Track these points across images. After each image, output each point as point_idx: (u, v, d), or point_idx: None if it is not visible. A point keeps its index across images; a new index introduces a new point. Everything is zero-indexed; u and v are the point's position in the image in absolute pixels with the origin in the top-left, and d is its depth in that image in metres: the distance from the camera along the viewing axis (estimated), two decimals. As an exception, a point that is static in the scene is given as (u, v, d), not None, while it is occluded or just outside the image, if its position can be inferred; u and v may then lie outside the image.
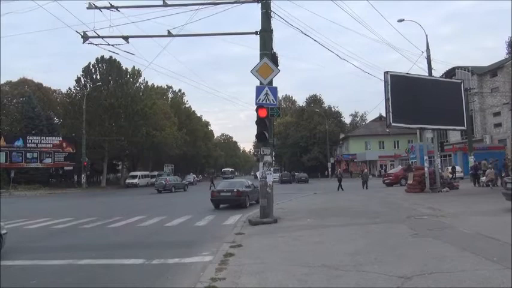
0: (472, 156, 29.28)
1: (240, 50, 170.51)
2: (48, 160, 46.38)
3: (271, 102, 11.68)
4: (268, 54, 12.01)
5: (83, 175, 46.32)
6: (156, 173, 56.46)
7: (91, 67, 52.82)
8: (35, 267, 7.45)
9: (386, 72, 20.02)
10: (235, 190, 17.95)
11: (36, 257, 8.25)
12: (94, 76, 52.81)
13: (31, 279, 6.55)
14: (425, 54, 25.77)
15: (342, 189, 27.68)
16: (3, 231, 8.65)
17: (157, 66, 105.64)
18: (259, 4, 12.39)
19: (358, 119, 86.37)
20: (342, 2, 26.46)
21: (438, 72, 37.12)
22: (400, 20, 26.87)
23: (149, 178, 54.10)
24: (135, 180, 51.32)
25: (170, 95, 79.27)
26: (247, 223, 11.73)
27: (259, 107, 11.55)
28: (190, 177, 55.98)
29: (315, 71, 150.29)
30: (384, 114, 35.26)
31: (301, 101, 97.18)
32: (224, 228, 11.54)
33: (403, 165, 42.73)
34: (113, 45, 13.77)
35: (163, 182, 37.48)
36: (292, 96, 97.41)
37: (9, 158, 43.84)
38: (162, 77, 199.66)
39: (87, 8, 12.99)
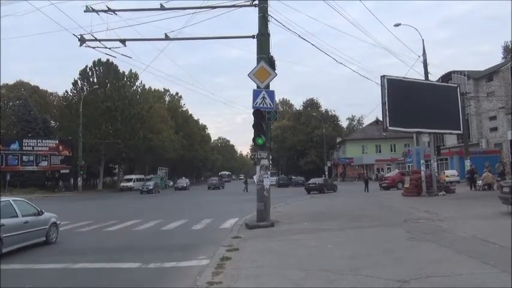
0: (468, 160, 29.37)
1: (237, 53, 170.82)
2: (45, 163, 46.13)
3: (268, 105, 11.69)
4: (265, 57, 12.03)
5: (79, 178, 46.13)
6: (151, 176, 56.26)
7: (88, 70, 52.75)
8: (30, 271, 7.40)
9: (383, 77, 20.08)
10: (317, 183, 32.32)
11: (31, 261, 8.20)
12: (91, 79, 52.72)
13: (26, 284, 6.50)
14: (421, 58, 25.93)
15: (368, 191, 29.29)
16: (59, 222, 11.22)
17: (154, 70, 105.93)
18: (257, 8, 12.43)
19: (355, 123, 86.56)
20: (339, 6, 26.57)
21: (434, 76, 37.42)
22: (397, 25, 27.03)
23: (144, 182, 53.45)
24: (130, 184, 50.06)
25: (167, 99, 79.29)
26: (244, 227, 11.70)
27: (256, 110, 11.56)
28: (183, 181, 53.18)
29: (312, 75, 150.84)
30: (380, 118, 35.39)
31: (298, 104, 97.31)
32: (221, 232, 11.50)
33: (400, 169, 42.88)
34: (110, 48, 13.76)
35: (215, 182, 50.72)
36: (289, 100, 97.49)
37: (5, 161, 43.59)
38: (159, 80, 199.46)
39: (85, 11, 12.97)
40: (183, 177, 59.75)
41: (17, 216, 9.43)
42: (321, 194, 29.58)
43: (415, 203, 17.09)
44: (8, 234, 8.88)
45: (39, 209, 10.34)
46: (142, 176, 55.66)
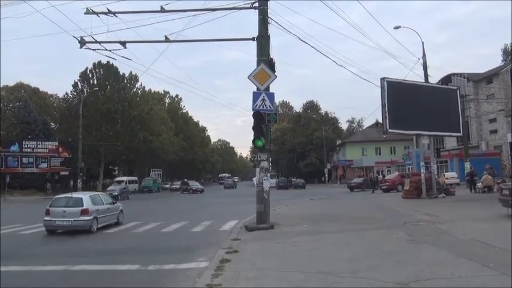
0: (468, 163, 29.35)
1: (237, 55, 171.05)
2: (44, 165, 46.04)
3: (268, 108, 11.69)
4: (265, 60, 12.04)
5: (78, 180, 46.03)
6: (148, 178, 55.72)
7: (88, 72, 52.79)
8: (30, 273, 7.38)
9: (383, 79, 20.08)
10: (357, 182, 37.81)
11: (30, 263, 8.18)
12: (91, 81, 52.76)
13: (25, 286, 6.50)
14: (421, 61, 25.92)
15: (374, 192, 30.72)
16: (122, 208, 15.44)
17: (154, 72, 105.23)
18: (257, 10, 12.44)
19: (354, 125, 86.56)
20: (339, 8, 26.63)
21: (434, 78, 37.43)
22: (397, 27, 27.03)
23: (137, 184, 50.75)
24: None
25: (167, 101, 79.26)
26: (243, 229, 11.69)
27: (256, 112, 11.56)
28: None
29: (312, 77, 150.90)
30: (380, 121, 35.41)
31: (298, 106, 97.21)
32: (220, 234, 11.50)
33: (400, 171, 42.85)
34: (110, 50, 13.78)
35: (230, 182, 58.90)
36: (289, 102, 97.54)
37: (5, 162, 43.55)
38: (159, 82, 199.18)
39: (85, 13, 13.00)
40: (175, 180, 56.82)
41: (103, 204, 13.93)
42: (362, 191, 34.05)
43: (414, 205, 17.07)
44: (100, 216, 13.42)
45: (113, 200, 15.35)
46: (135, 178, 52.73)
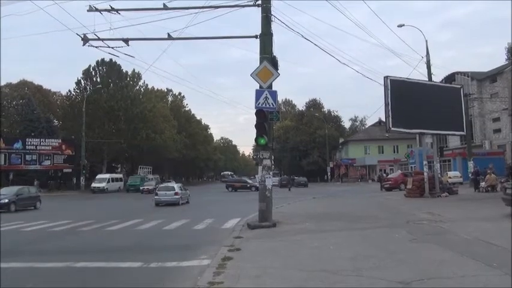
0: (472, 162, 29.26)
1: (240, 53, 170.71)
2: (47, 162, 46.24)
3: (271, 106, 11.66)
4: (268, 57, 12.00)
5: (81, 177, 46.18)
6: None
7: (91, 70, 52.88)
8: (32, 270, 7.39)
9: (386, 77, 20.01)
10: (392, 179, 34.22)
11: (32, 260, 8.19)
12: (94, 79, 52.85)
13: (27, 282, 6.51)
14: (425, 59, 25.82)
15: (381, 190, 31.38)
16: (189, 193, 25.51)
17: (157, 69, 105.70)
18: (260, 8, 12.40)
19: (357, 124, 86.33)
20: (343, 7, 26.55)
21: (437, 77, 37.21)
22: (400, 25, 26.91)
23: (122, 182, 47.91)
24: (103, 185, 43.35)
25: (170, 98, 79.28)
26: (245, 227, 11.67)
27: (258, 110, 11.54)
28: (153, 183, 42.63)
29: (315, 76, 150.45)
30: (383, 119, 35.35)
31: (300, 105, 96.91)
32: (222, 232, 11.49)
33: (403, 170, 42.76)
34: (113, 47, 13.78)
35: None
36: (291, 100, 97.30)
37: (8, 160, 43.75)
38: (162, 80, 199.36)
39: (88, 11, 12.98)
40: (152, 178, 49.06)
41: (182, 190, 23.50)
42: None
43: (417, 204, 17.02)
44: (183, 196, 23.19)
45: (186, 188, 25.40)
46: (120, 176, 50.00)
